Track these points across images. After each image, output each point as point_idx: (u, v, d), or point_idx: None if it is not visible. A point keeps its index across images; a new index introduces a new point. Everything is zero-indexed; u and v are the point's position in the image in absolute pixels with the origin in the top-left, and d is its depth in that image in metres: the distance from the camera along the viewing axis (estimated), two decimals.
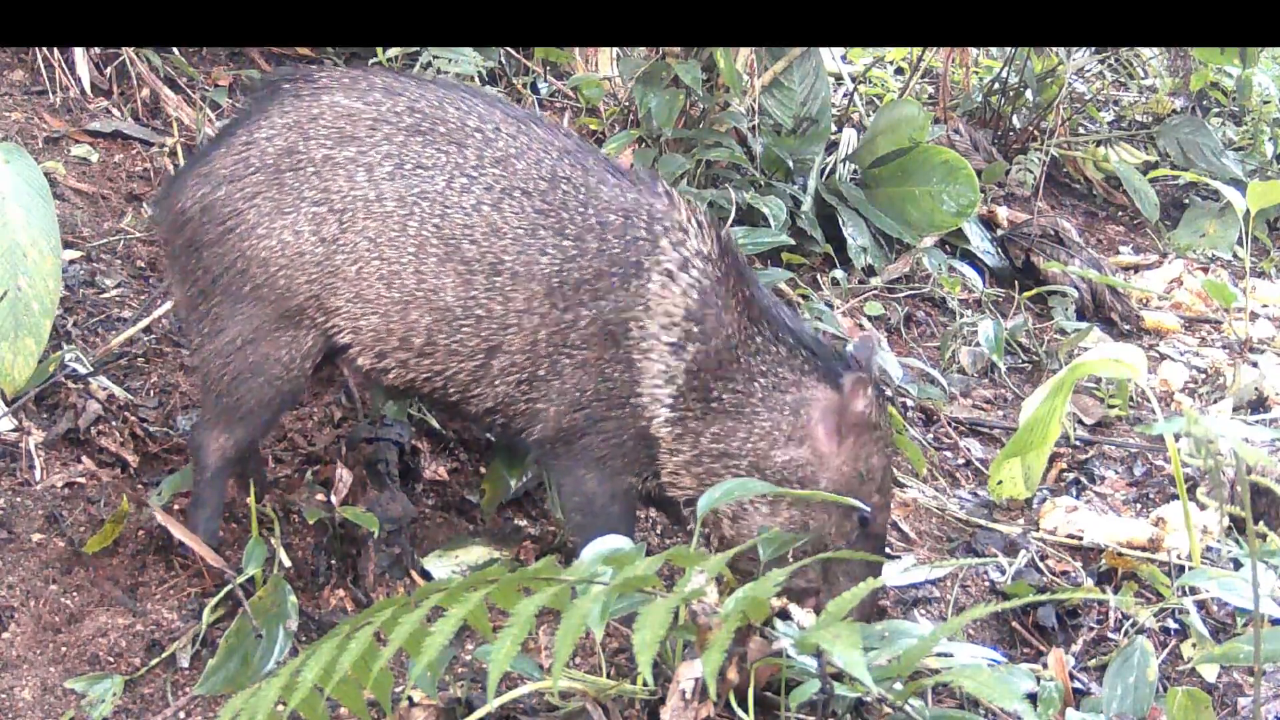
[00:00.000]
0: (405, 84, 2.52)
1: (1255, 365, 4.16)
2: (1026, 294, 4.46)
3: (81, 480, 2.71)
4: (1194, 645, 2.67)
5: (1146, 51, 6.37)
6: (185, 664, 2.38)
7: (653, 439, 2.44)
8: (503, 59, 4.60)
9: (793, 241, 3.96)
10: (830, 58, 5.22)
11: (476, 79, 3.95)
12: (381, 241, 2.40)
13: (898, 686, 1.93)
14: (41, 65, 3.89)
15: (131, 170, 3.75)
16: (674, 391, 2.41)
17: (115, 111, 3.91)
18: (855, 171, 4.61)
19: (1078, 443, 3.69)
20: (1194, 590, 2.59)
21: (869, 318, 4.10)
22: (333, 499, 2.68)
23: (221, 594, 2.45)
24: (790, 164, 4.38)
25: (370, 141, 2.43)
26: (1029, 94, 5.42)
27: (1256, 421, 3.73)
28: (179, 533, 2.51)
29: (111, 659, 2.38)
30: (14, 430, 2.74)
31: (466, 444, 3.09)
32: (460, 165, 2.43)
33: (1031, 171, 5.09)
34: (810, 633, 1.85)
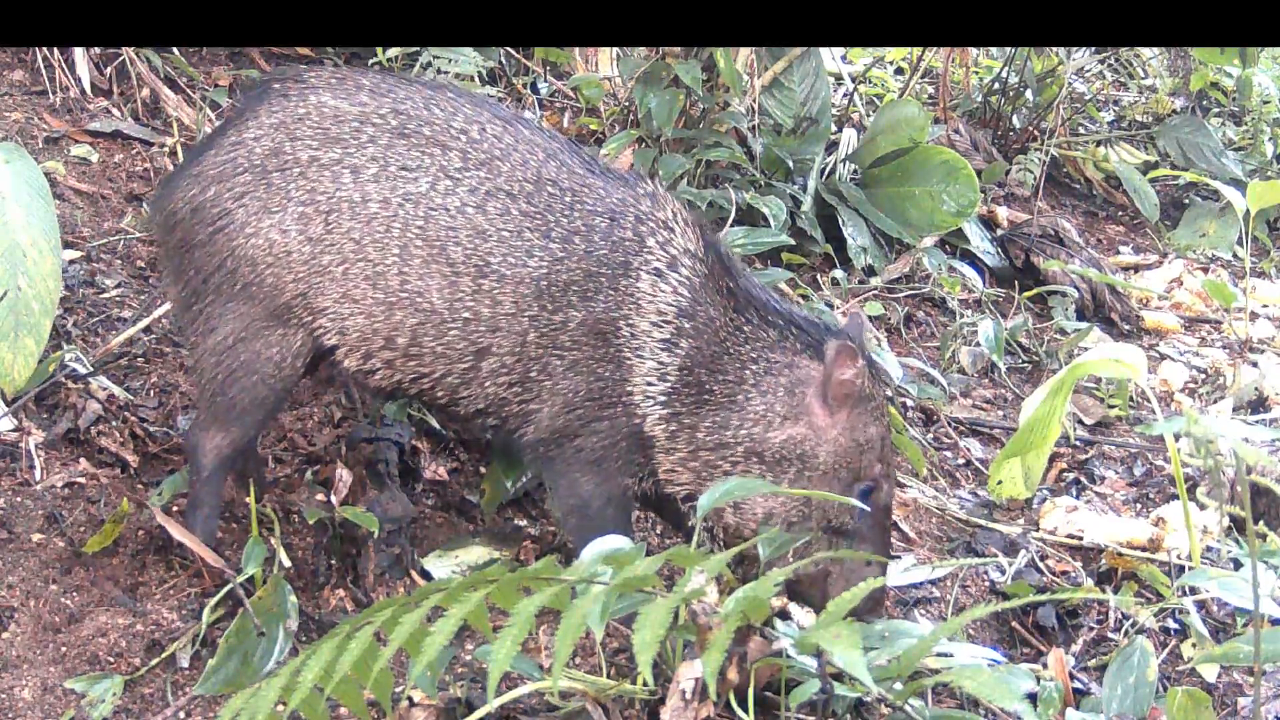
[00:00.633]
0: (392, 84, 2.53)
1: (1255, 365, 4.16)
2: (1026, 294, 4.46)
3: (81, 480, 2.71)
4: (1194, 645, 2.67)
5: (1146, 51, 6.37)
6: (185, 664, 2.38)
7: (647, 438, 2.44)
8: (503, 59, 4.61)
9: (793, 241, 3.96)
10: (830, 58, 5.22)
11: (476, 79, 3.95)
12: (366, 242, 2.42)
13: (898, 686, 1.93)
14: (41, 65, 3.89)
15: (131, 170, 3.75)
16: (667, 389, 2.41)
17: (115, 111, 3.91)
18: (855, 171, 4.61)
19: (1078, 443, 3.69)
20: (1194, 590, 2.59)
21: (869, 318, 4.10)
22: (333, 499, 2.68)
23: (221, 594, 2.45)
24: (790, 164, 4.38)
25: (356, 143, 2.44)
26: (1029, 94, 5.42)
27: (1256, 421, 3.74)
28: (178, 533, 2.51)
29: (111, 659, 2.38)
30: (14, 430, 2.74)
31: (466, 444, 3.09)
32: (444, 167, 2.44)
33: (1031, 171, 5.08)
34: (810, 633, 1.85)
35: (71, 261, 3.30)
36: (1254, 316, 4.61)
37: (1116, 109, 6.34)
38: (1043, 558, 3.05)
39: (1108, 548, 3.02)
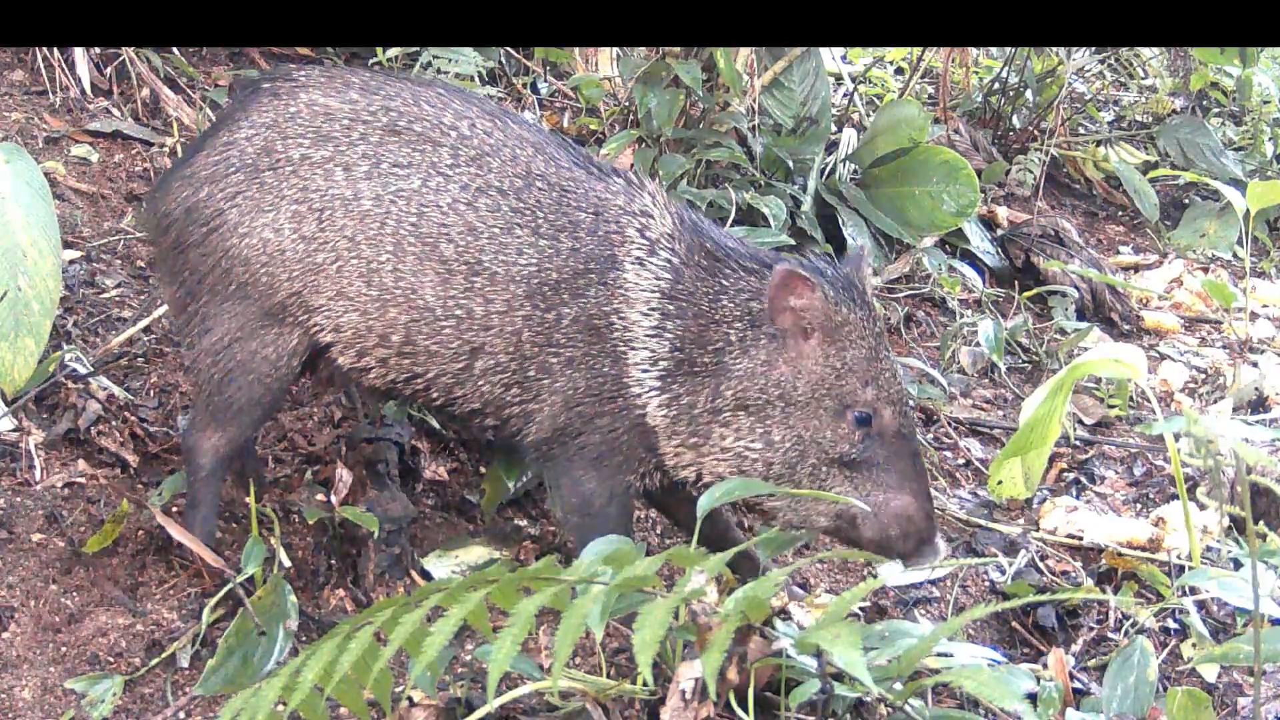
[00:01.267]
0: (381, 82, 2.54)
1: (1255, 365, 4.16)
2: (1026, 294, 4.46)
3: (81, 480, 2.71)
4: (1194, 645, 2.67)
5: (1146, 51, 6.36)
6: (185, 664, 2.38)
7: (650, 429, 2.44)
8: (503, 59, 4.61)
9: (793, 241, 3.95)
10: (830, 58, 5.22)
11: (476, 79, 3.95)
12: (360, 239, 2.42)
13: (898, 686, 1.93)
14: (41, 65, 3.89)
15: (131, 170, 3.75)
16: (661, 373, 2.41)
17: (115, 111, 3.91)
18: (855, 171, 4.61)
19: (1078, 443, 3.69)
20: (1194, 590, 2.59)
21: None
22: (333, 499, 2.68)
23: (221, 594, 2.45)
24: (790, 164, 4.37)
25: (347, 140, 2.45)
26: (1029, 94, 5.42)
27: (1256, 421, 3.73)
28: (177, 533, 2.51)
29: (111, 659, 2.38)
30: (14, 430, 2.74)
31: (466, 444, 3.09)
32: (435, 164, 2.44)
33: (1031, 171, 5.08)
34: (810, 633, 1.84)
35: (71, 261, 3.30)
36: (1254, 316, 4.60)
37: (1116, 109, 6.34)
38: (1043, 558, 3.05)
39: (1108, 548, 3.02)
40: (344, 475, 2.73)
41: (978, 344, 4.03)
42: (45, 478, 2.68)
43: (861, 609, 2.79)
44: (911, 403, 2.58)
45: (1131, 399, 3.93)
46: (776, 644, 1.97)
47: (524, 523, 2.94)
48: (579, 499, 2.51)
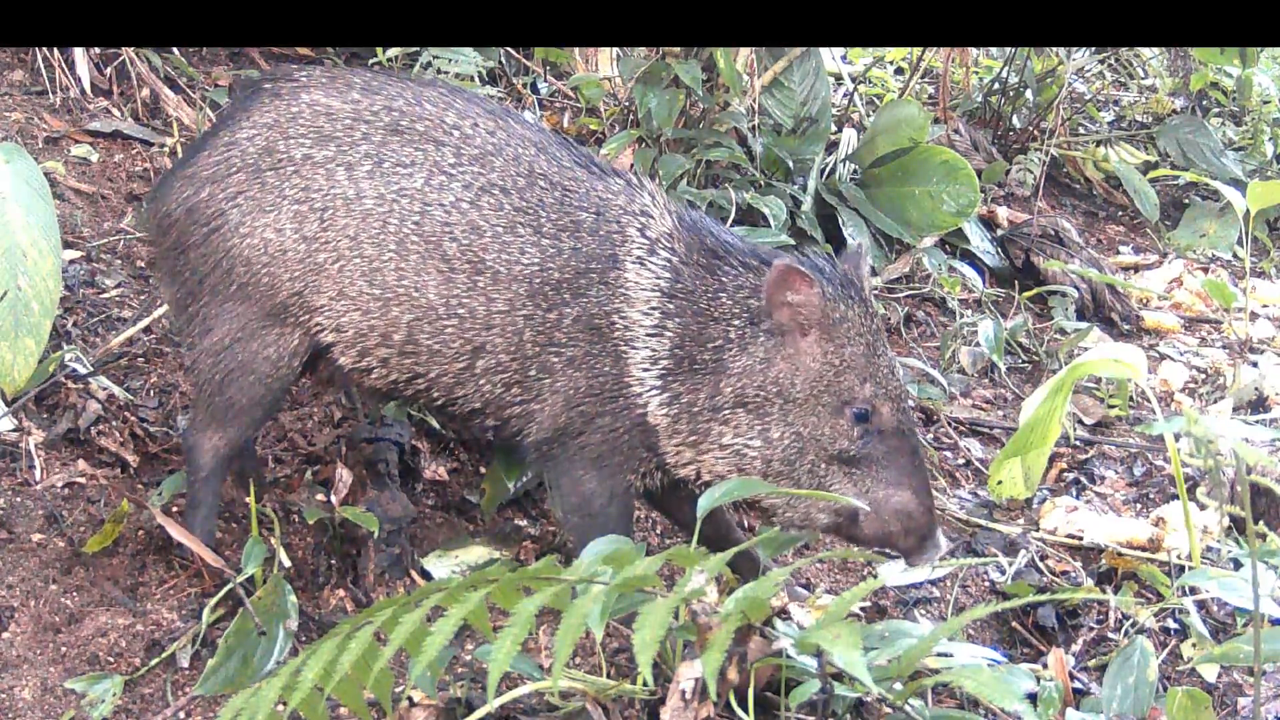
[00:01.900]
0: (383, 82, 2.54)
1: (1255, 365, 4.16)
2: (1026, 294, 4.46)
3: (81, 480, 2.71)
4: (1194, 645, 2.67)
5: (1146, 51, 6.36)
6: (185, 664, 2.38)
7: (650, 428, 2.44)
8: (503, 59, 4.61)
9: (793, 241, 3.95)
10: (830, 58, 5.22)
11: (476, 79, 3.95)
12: (362, 239, 2.42)
13: (898, 686, 1.93)
14: (41, 65, 3.89)
15: (131, 170, 3.75)
16: (661, 372, 2.41)
17: (115, 111, 3.91)
18: (855, 171, 4.61)
19: (1078, 443, 3.68)
20: (1194, 590, 2.59)
21: None
22: (333, 499, 2.69)
23: (221, 594, 2.45)
24: (790, 164, 4.37)
25: (349, 140, 2.45)
26: (1029, 94, 5.42)
27: (1256, 421, 3.73)
28: (177, 533, 2.51)
29: (111, 659, 2.38)
30: (14, 430, 2.74)
31: (466, 444, 3.09)
32: (438, 163, 2.44)
33: (1031, 171, 5.08)
34: (810, 633, 1.84)
35: (71, 261, 3.31)
36: (1254, 316, 4.60)
37: (1116, 109, 6.34)
38: (1043, 558, 3.05)
39: (1108, 548, 3.02)
40: (344, 475, 2.73)
41: (978, 344, 4.03)
42: (45, 478, 2.68)
43: (861, 609, 2.79)
44: (910, 400, 2.57)
45: (1131, 399, 3.93)
46: (776, 644, 1.97)
47: (524, 523, 2.94)
48: (579, 499, 2.51)
